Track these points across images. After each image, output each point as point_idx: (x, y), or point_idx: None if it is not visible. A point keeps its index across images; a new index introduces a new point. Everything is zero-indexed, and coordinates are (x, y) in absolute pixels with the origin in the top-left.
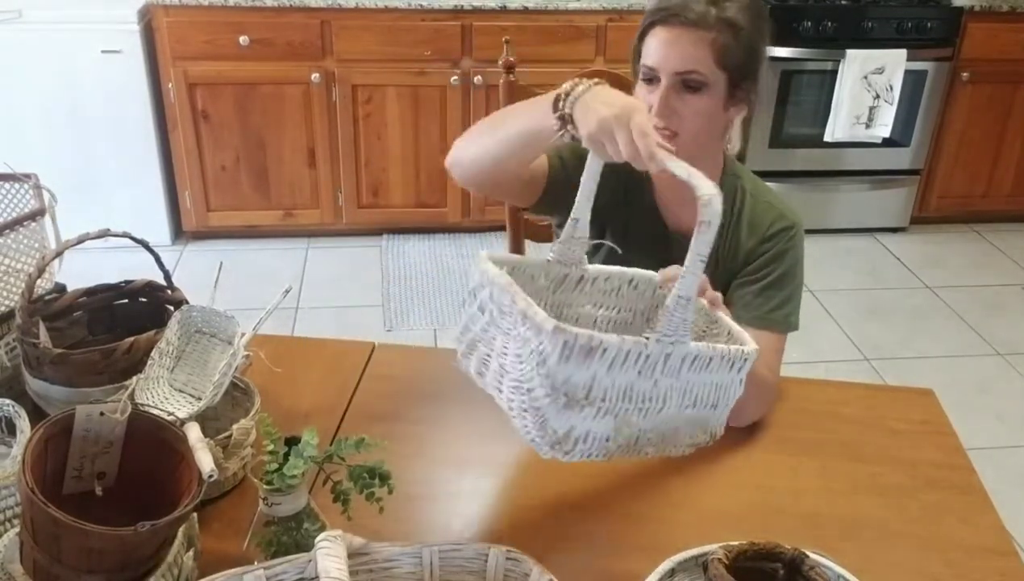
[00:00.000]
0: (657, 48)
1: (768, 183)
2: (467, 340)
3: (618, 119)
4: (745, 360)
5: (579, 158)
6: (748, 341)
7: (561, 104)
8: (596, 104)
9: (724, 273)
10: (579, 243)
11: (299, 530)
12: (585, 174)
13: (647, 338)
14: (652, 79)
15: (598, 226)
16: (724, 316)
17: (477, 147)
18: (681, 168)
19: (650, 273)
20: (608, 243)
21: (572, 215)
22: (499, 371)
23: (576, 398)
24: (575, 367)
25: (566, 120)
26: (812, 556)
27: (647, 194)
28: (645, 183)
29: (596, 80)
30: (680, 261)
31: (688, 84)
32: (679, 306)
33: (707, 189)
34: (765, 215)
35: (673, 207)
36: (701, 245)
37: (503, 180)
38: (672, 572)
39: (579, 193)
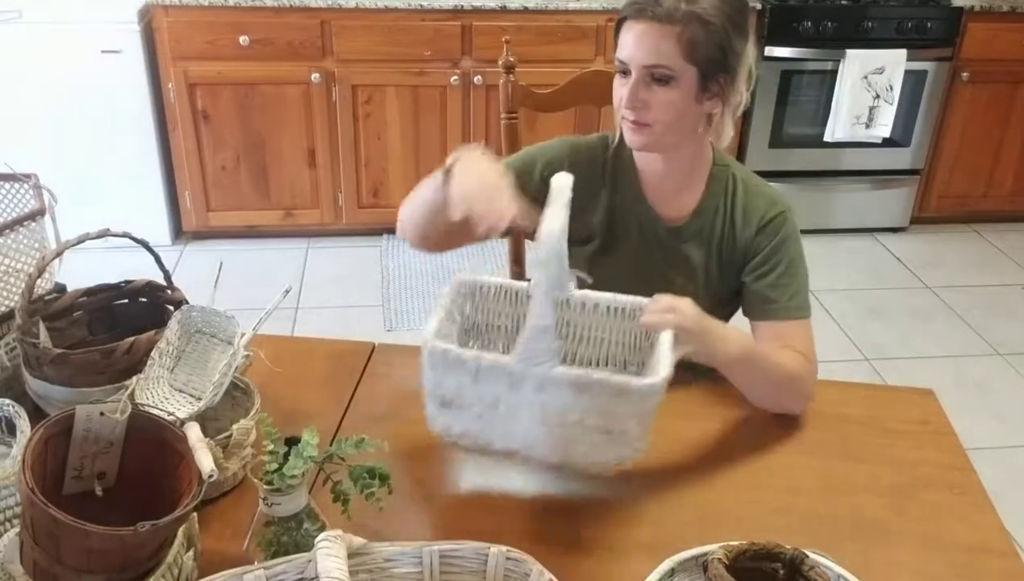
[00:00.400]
0: (628, 42)
1: (768, 183)
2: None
3: (479, 194)
4: (642, 393)
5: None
6: (661, 372)
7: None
8: (468, 174)
9: (728, 266)
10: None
11: (299, 530)
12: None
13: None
14: (625, 72)
15: (584, 223)
16: (664, 341)
17: (409, 219)
18: None
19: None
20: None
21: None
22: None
23: (447, 400)
24: (442, 375)
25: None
26: (812, 556)
27: (634, 184)
28: (631, 174)
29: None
30: (669, 247)
31: (656, 77)
32: (534, 333)
33: None
34: (758, 204)
35: (659, 195)
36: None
37: (454, 237)
38: (672, 572)
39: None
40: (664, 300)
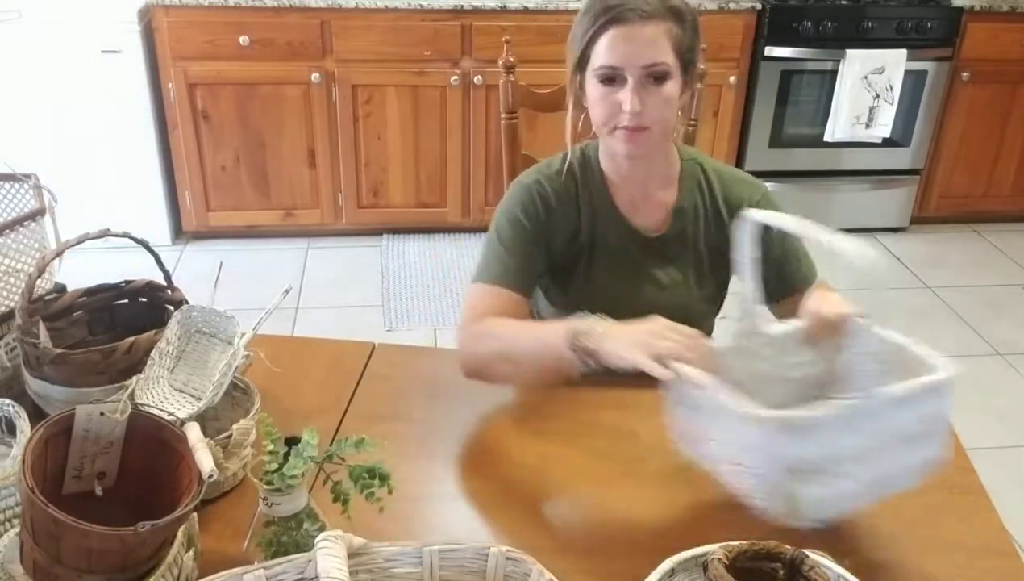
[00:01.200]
0: (617, 46)
1: (768, 183)
2: (685, 436)
3: (652, 334)
4: (940, 386)
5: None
6: (931, 357)
7: (577, 342)
8: (621, 334)
9: (720, 259)
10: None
11: (299, 530)
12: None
13: (849, 398)
14: (614, 79)
15: (570, 246)
16: (892, 335)
17: (497, 375)
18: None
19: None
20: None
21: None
22: (730, 460)
23: (804, 470)
24: (798, 445)
25: (582, 354)
26: (812, 556)
27: (607, 198)
28: (603, 188)
29: (599, 319)
30: (649, 259)
31: (654, 76)
32: (861, 361)
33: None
34: (739, 190)
35: (631, 205)
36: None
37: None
38: (672, 572)
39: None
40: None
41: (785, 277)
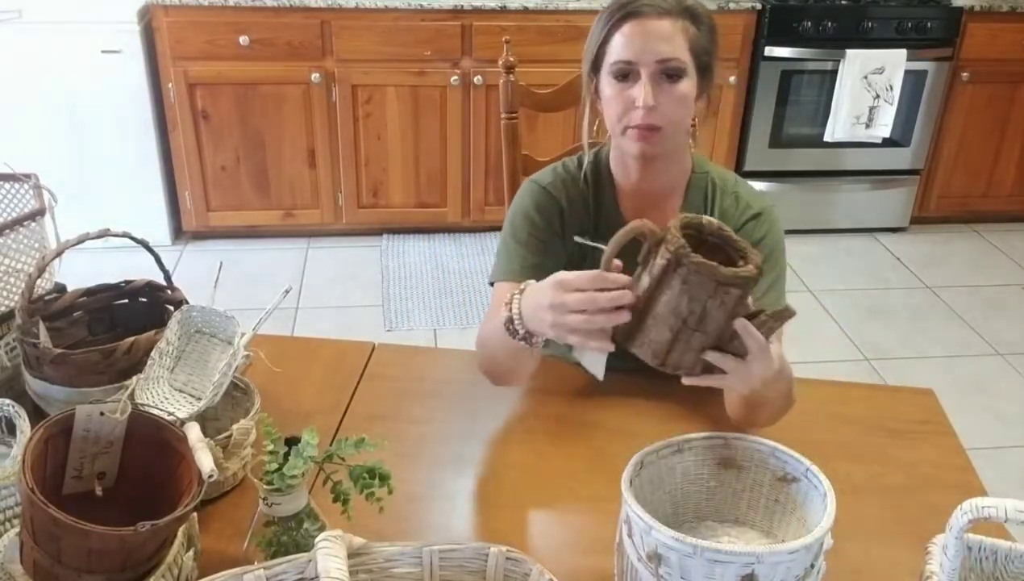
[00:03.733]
0: (633, 40)
1: (768, 183)
2: None
3: (554, 308)
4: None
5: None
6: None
7: (513, 328)
8: (535, 311)
9: None
10: None
11: (299, 530)
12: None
13: None
14: (628, 74)
15: (578, 250)
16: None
17: (493, 374)
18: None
19: None
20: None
21: None
22: None
23: None
24: None
25: (527, 338)
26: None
27: (614, 204)
28: (612, 193)
29: (518, 292)
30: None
31: (668, 72)
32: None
33: None
34: (732, 209)
35: (635, 209)
36: None
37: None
38: (641, 464)
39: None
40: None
41: None
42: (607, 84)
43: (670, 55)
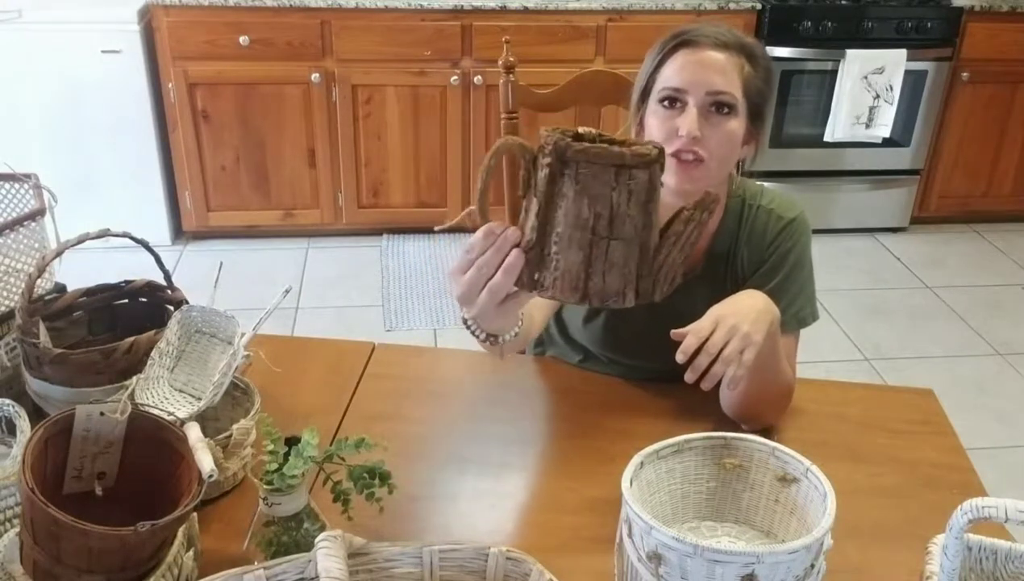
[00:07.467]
0: (685, 68)
1: (768, 183)
2: None
3: (462, 297)
4: None
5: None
6: None
7: (474, 331)
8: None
9: (739, 286)
10: None
11: (299, 530)
12: None
13: None
14: (675, 101)
15: None
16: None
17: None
18: None
19: None
20: None
21: None
22: None
23: None
24: None
25: (491, 338)
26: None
27: None
28: None
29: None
30: (676, 295)
31: (718, 105)
32: None
33: None
34: (763, 223)
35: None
36: None
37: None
38: (641, 464)
39: None
40: (727, 342)
41: None
42: (653, 112)
43: (722, 88)
